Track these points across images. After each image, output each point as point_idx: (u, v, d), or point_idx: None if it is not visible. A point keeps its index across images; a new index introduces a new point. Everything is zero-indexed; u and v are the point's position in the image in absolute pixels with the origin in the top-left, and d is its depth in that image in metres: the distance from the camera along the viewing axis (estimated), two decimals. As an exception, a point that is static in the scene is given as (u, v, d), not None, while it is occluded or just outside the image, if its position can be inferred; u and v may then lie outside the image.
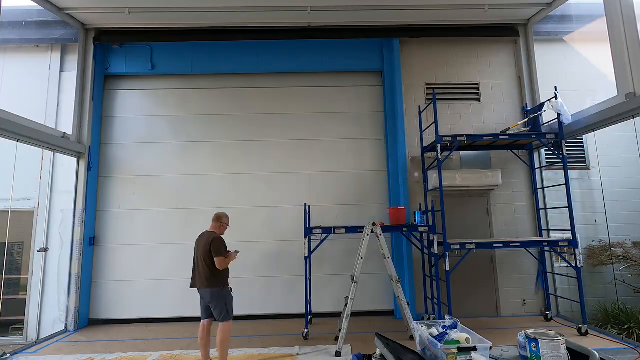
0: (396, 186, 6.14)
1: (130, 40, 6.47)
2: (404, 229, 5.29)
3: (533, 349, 1.84)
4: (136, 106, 6.52)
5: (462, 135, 5.34)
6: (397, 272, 4.75)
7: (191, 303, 5.97)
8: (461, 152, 6.30)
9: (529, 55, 6.50)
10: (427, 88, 6.51)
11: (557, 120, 5.93)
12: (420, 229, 5.22)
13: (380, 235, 4.63)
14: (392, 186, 6.23)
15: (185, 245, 6.11)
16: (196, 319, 5.84)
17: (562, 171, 5.35)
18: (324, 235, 5.11)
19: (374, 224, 4.67)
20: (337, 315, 5.38)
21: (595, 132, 5.22)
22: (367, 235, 4.66)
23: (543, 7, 6.10)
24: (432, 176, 5.97)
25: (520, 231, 6.12)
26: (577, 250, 5.08)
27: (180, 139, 6.44)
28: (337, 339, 4.51)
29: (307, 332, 4.95)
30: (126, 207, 6.23)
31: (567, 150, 6.35)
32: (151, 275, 6.05)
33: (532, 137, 5.52)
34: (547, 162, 6.31)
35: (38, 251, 5.83)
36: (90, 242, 6.02)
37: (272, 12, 6.02)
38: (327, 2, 5.83)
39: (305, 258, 5.07)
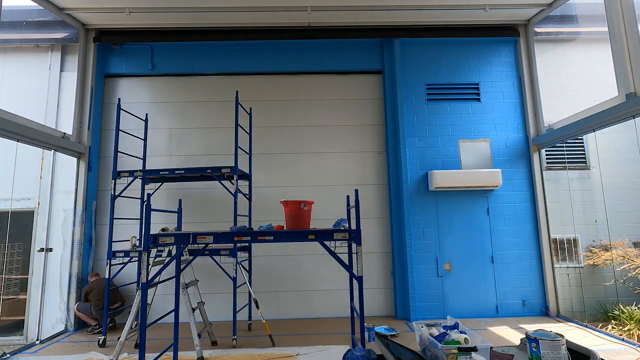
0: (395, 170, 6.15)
1: (130, 40, 6.47)
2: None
3: (533, 349, 1.84)
4: (136, 106, 6.52)
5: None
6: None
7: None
8: (462, 153, 6.29)
9: (529, 55, 6.50)
10: (427, 88, 6.51)
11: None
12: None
13: None
14: (391, 170, 6.23)
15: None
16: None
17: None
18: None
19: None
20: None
21: (596, 132, 5.22)
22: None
23: (543, 7, 6.10)
24: (433, 177, 5.98)
25: (520, 231, 6.11)
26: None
27: (181, 139, 6.44)
28: None
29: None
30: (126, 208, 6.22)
31: (567, 150, 6.38)
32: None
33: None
34: (547, 163, 6.31)
35: (38, 251, 5.83)
36: (90, 242, 6.01)
37: (272, 12, 6.02)
38: (327, 2, 5.83)
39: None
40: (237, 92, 5.50)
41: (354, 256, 3.63)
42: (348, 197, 3.93)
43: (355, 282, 3.40)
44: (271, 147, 6.41)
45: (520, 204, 6.19)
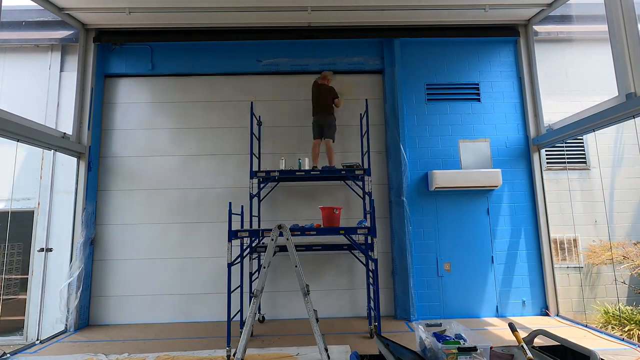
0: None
1: (130, 40, 6.47)
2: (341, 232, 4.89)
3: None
4: (136, 106, 6.52)
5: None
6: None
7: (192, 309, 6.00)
8: (461, 153, 6.29)
9: (529, 55, 6.49)
10: (427, 88, 6.51)
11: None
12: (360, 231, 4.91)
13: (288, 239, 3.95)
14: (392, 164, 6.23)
15: (188, 252, 6.14)
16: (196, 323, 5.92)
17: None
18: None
19: (280, 227, 3.93)
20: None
21: (595, 132, 5.22)
22: (272, 240, 3.90)
23: (543, 7, 6.10)
24: (433, 177, 5.97)
25: (520, 231, 6.11)
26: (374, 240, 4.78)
27: (181, 139, 6.44)
28: None
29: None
30: (125, 208, 6.22)
31: (567, 150, 6.38)
32: (153, 286, 6.05)
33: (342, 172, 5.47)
34: (547, 163, 6.32)
35: (38, 251, 5.83)
36: (91, 242, 6.01)
37: (272, 12, 6.02)
38: (327, 2, 5.83)
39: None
40: (251, 103, 5.73)
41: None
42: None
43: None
44: (276, 148, 6.41)
45: (520, 204, 6.19)
